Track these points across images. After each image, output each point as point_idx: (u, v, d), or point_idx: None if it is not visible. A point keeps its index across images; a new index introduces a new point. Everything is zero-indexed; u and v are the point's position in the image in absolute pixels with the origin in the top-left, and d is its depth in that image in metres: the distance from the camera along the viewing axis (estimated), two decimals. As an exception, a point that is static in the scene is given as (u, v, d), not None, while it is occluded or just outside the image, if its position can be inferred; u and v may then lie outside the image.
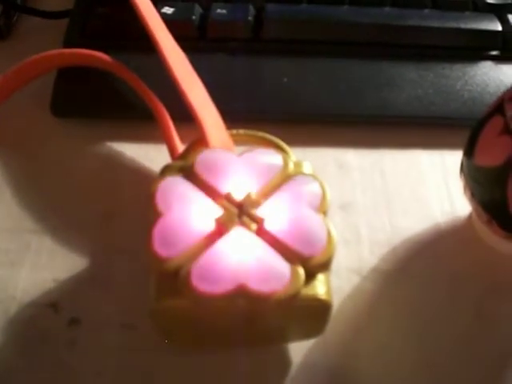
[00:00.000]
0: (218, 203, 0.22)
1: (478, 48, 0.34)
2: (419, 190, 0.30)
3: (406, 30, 0.34)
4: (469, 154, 0.26)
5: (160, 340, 0.24)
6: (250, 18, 0.33)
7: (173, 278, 0.21)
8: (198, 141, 0.26)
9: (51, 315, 0.25)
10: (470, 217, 0.29)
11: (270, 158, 0.24)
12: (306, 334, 0.24)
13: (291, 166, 0.24)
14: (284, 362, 0.25)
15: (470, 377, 0.25)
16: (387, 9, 0.35)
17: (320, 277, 0.21)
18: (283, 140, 0.27)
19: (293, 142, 0.27)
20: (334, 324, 0.24)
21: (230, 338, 0.24)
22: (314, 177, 0.23)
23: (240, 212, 0.22)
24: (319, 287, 0.21)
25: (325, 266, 0.22)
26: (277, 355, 0.25)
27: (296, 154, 0.26)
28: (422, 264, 0.27)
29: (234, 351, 0.25)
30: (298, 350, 0.25)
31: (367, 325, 0.26)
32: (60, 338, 0.25)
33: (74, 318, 0.25)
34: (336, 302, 0.25)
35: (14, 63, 0.30)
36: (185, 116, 0.27)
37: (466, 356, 0.25)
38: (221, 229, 0.22)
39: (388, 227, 0.28)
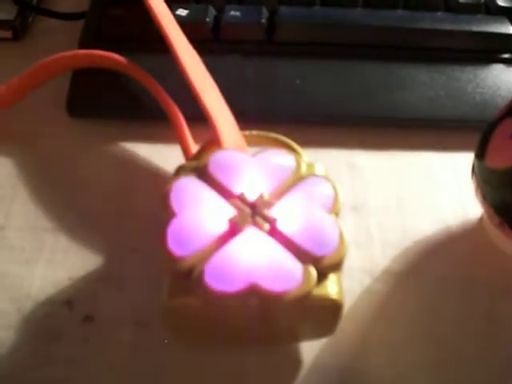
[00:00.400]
0: (231, 203, 0.22)
1: (489, 51, 0.34)
2: (431, 192, 0.30)
3: (418, 33, 0.34)
4: (480, 156, 0.26)
5: (172, 338, 0.24)
6: (263, 20, 0.33)
7: (186, 277, 0.21)
8: (211, 141, 0.26)
9: (65, 313, 0.26)
10: (481, 219, 0.29)
11: (282, 159, 0.24)
12: (318, 334, 0.24)
13: (304, 167, 0.24)
14: (295, 361, 0.25)
15: (480, 379, 0.25)
16: (399, 11, 0.35)
17: (332, 277, 0.22)
18: (295, 141, 0.27)
19: (305, 144, 0.27)
20: (345, 324, 0.24)
21: (241, 337, 0.24)
22: (326, 178, 0.23)
23: (253, 212, 0.22)
24: (331, 287, 0.21)
25: (337, 267, 0.22)
26: (288, 355, 0.25)
27: (308, 155, 0.26)
28: (433, 266, 0.28)
29: (245, 350, 0.25)
30: (309, 350, 0.25)
31: (378, 326, 0.26)
32: (74, 335, 0.25)
33: (88, 315, 0.26)
34: (347, 303, 0.25)
35: (30, 64, 0.30)
36: (198, 117, 0.27)
37: (475, 358, 0.25)
38: (234, 229, 0.22)
39: (399, 229, 0.29)
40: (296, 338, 0.25)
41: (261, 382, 0.24)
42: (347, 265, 0.22)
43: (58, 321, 0.25)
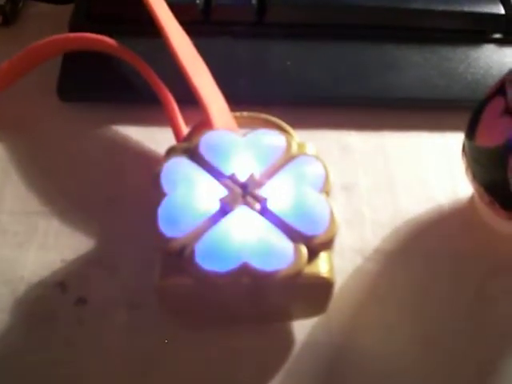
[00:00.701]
0: (222, 183, 0.22)
1: (481, 31, 0.34)
2: (421, 171, 0.30)
3: (410, 13, 0.34)
4: (470, 135, 0.26)
5: (166, 319, 0.24)
6: (253, 1, 0.33)
7: (177, 257, 0.21)
8: (202, 123, 0.26)
9: (59, 295, 0.26)
10: (472, 198, 0.29)
11: (273, 139, 0.24)
12: (309, 313, 0.24)
13: (295, 147, 0.24)
14: (287, 339, 0.25)
15: (471, 354, 0.25)
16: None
17: (323, 256, 0.22)
18: (286, 122, 0.27)
19: (296, 125, 0.27)
20: (337, 303, 0.24)
21: (234, 316, 0.24)
22: (316, 157, 0.23)
23: (244, 192, 0.22)
24: (322, 265, 0.22)
25: (327, 245, 0.22)
26: (280, 333, 0.25)
27: (299, 136, 0.26)
28: (424, 245, 0.28)
29: (237, 329, 0.25)
30: (301, 328, 0.25)
31: (370, 304, 0.26)
32: (67, 318, 0.25)
33: (81, 297, 0.26)
34: (339, 282, 0.25)
35: (20, 49, 0.30)
36: (189, 99, 0.27)
37: (467, 334, 0.25)
38: (225, 208, 0.22)
39: (390, 208, 0.29)
40: (288, 316, 0.25)
41: (254, 360, 0.25)
42: (338, 244, 0.22)
43: (52, 303, 0.26)
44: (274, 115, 0.27)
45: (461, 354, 0.25)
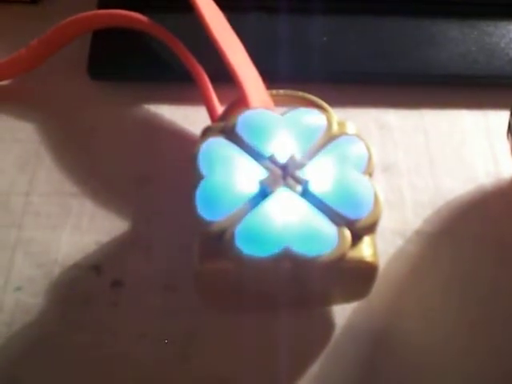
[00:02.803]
0: (261, 164, 0.22)
1: (523, 4, 0.33)
2: (463, 150, 0.29)
3: (448, -14, 0.33)
4: (517, 113, 0.25)
5: (202, 302, 0.24)
6: (288, -25, 0.32)
7: (217, 241, 0.20)
8: (237, 101, 0.26)
9: (93, 278, 0.25)
10: (515, 179, 0.28)
11: (313, 118, 0.23)
12: (351, 297, 0.24)
13: (335, 126, 0.23)
14: (328, 324, 0.24)
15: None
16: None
17: (366, 239, 0.21)
18: (323, 100, 0.26)
19: (332, 103, 0.26)
20: (377, 287, 0.23)
21: (273, 301, 0.24)
22: (358, 137, 0.23)
23: (284, 174, 0.21)
24: (365, 250, 0.21)
25: (371, 229, 0.21)
26: (320, 318, 0.25)
27: (336, 114, 0.25)
28: (467, 226, 0.27)
29: (276, 313, 0.25)
30: (342, 313, 0.25)
31: (411, 287, 0.25)
32: (103, 300, 0.25)
33: (117, 280, 0.25)
34: (380, 265, 0.25)
35: (49, 27, 0.30)
36: (223, 77, 0.26)
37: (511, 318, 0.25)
38: (265, 191, 0.21)
39: (431, 189, 0.28)
40: (329, 301, 0.24)
41: (293, 345, 0.24)
42: (379, 226, 0.22)
43: (87, 286, 0.25)
44: (309, 92, 0.26)
45: (504, 336, 0.24)
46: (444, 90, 0.31)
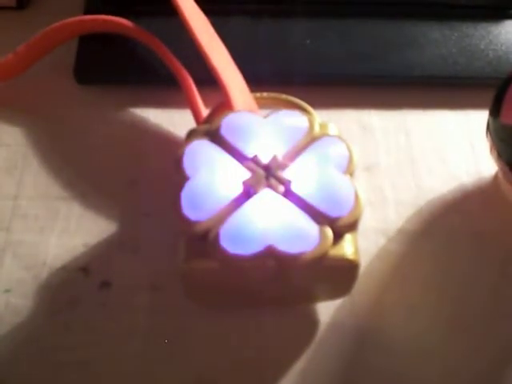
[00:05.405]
0: (244, 166, 0.22)
1: (502, 7, 0.33)
2: (444, 150, 0.30)
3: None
4: (495, 112, 0.25)
5: (189, 301, 0.24)
6: (271, -21, 0.33)
7: (201, 241, 0.21)
8: (222, 104, 0.26)
9: (82, 279, 0.26)
10: (495, 177, 0.29)
11: (295, 120, 0.24)
12: (334, 295, 0.24)
13: (317, 128, 0.24)
14: (312, 321, 0.25)
15: (495, 334, 0.25)
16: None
17: (347, 237, 0.22)
18: (306, 102, 0.26)
19: (316, 104, 0.27)
20: (361, 284, 0.24)
21: (258, 299, 0.24)
22: (340, 138, 0.23)
23: (267, 174, 0.22)
24: (347, 247, 0.21)
25: (352, 227, 0.22)
26: (304, 315, 0.25)
27: (319, 116, 0.25)
28: (448, 224, 0.27)
29: (261, 311, 0.25)
30: (325, 310, 0.25)
31: (394, 285, 0.26)
32: (91, 301, 0.25)
33: (105, 281, 0.26)
34: (363, 263, 0.25)
35: (35, 32, 0.30)
36: (208, 80, 0.27)
37: (491, 314, 0.25)
38: (248, 191, 0.22)
39: (413, 188, 0.28)
40: (312, 298, 0.25)
41: (278, 342, 0.25)
42: (361, 225, 0.22)
43: (75, 287, 0.26)
44: (292, 95, 0.27)
45: (488, 335, 0.25)
46: (425, 91, 0.31)
